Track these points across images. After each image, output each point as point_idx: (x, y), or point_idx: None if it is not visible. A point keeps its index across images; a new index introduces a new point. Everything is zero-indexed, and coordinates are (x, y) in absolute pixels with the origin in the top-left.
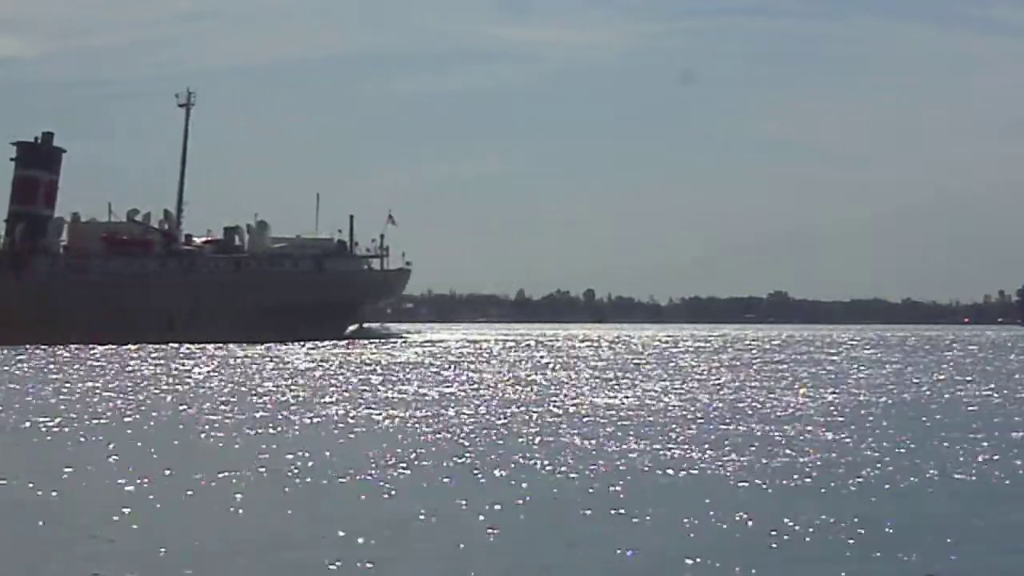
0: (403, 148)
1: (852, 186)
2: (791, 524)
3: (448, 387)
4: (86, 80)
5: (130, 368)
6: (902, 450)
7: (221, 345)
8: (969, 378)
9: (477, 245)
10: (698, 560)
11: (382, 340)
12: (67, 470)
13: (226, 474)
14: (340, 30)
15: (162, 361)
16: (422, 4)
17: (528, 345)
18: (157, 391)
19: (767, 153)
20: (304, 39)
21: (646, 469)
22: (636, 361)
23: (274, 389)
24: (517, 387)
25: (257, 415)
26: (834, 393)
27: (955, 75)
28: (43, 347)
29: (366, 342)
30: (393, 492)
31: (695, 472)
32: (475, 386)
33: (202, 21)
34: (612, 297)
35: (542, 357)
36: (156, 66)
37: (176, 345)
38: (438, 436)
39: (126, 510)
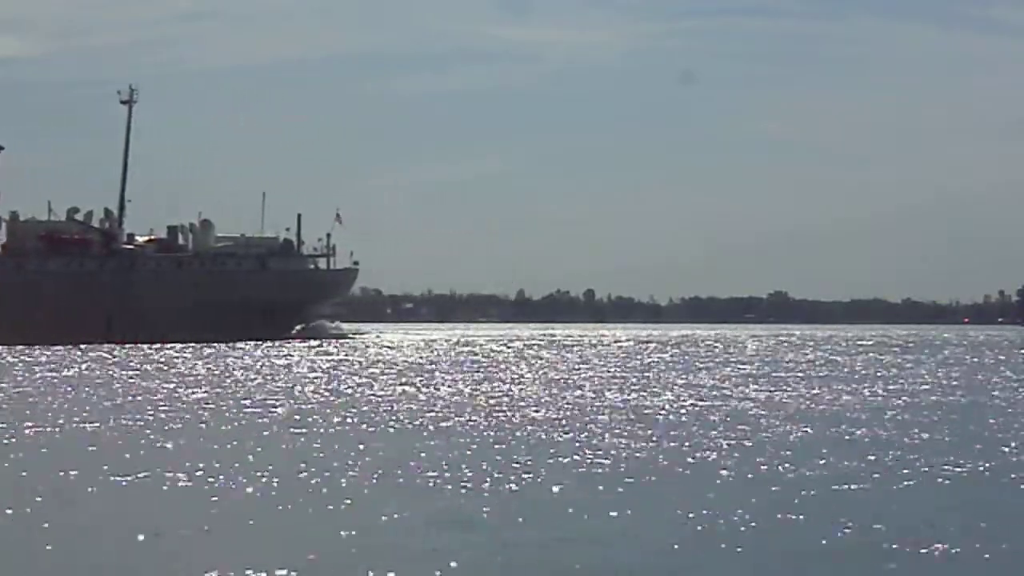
0: (403, 148)
1: (852, 186)
2: None
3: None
4: (86, 80)
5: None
6: None
7: (159, 346)
8: None
9: (477, 245)
10: None
11: (328, 339)
12: None
13: None
14: (340, 30)
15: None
16: (422, 4)
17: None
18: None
19: (767, 153)
20: (304, 39)
21: None
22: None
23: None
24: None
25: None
26: None
27: (955, 75)
28: None
29: (313, 341)
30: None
31: None
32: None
33: (202, 21)
34: (612, 297)
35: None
36: (156, 66)
37: (113, 346)
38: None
39: None
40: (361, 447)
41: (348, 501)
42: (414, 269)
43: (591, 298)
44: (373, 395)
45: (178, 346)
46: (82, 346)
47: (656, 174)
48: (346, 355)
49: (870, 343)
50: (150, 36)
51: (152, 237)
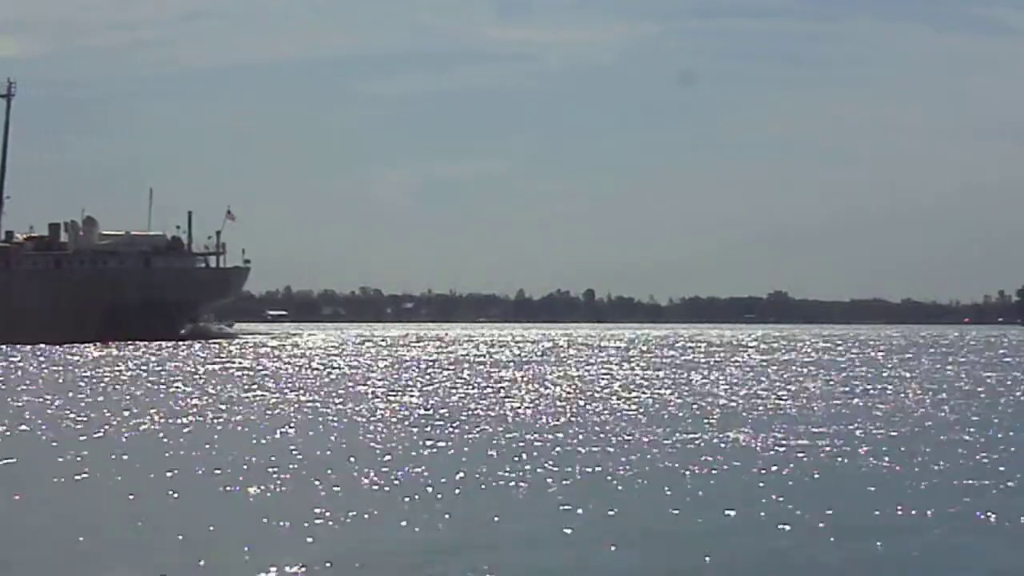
0: (403, 148)
1: (852, 186)
2: None
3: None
4: (86, 80)
5: None
6: None
7: (34, 347)
8: None
9: (477, 245)
10: None
11: (216, 340)
12: None
13: None
14: (339, 30)
15: None
16: (421, 4)
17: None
18: None
19: (767, 153)
20: (304, 39)
21: None
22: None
23: None
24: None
25: None
26: None
27: (955, 75)
28: None
29: (203, 342)
30: None
31: None
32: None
33: (202, 21)
34: (612, 297)
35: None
36: (156, 66)
37: None
38: None
39: None
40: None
41: None
42: (414, 269)
43: (591, 298)
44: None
45: (41, 347)
46: None
47: (656, 174)
48: (200, 362)
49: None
50: (150, 36)
51: (31, 235)
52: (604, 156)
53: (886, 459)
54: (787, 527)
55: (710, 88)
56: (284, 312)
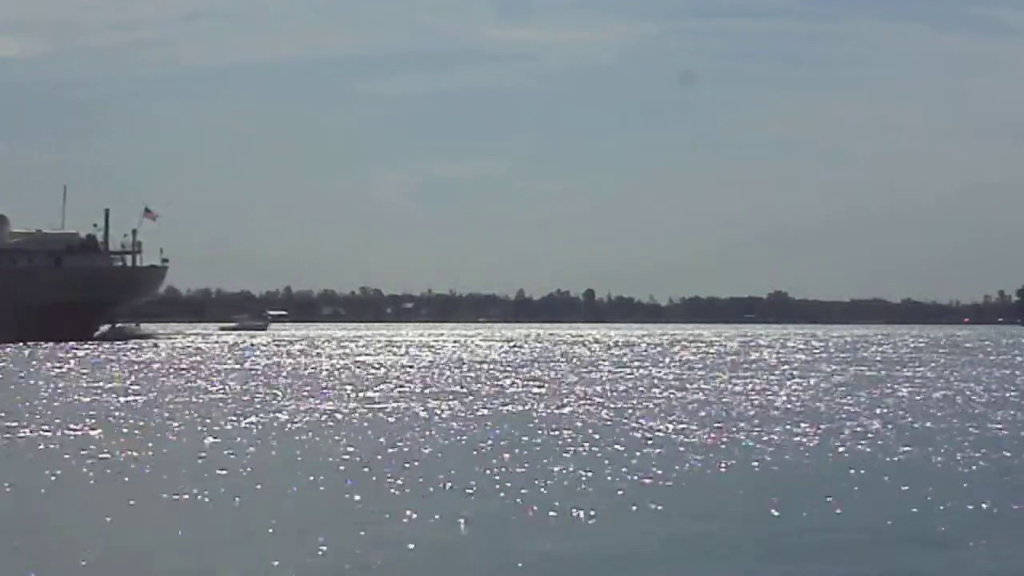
0: (402, 148)
1: (852, 186)
2: None
3: None
4: (86, 80)
5: None
6: None
7: None
8: None
9: (477, 245)
10: None
11: (129, 341)
12: None
13: None
14: (339, 30)
15: None
16: (421, 4)
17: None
18: None
19: (767, 153)
20: (304, 39)
21: None
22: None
23: None
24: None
25: None
26: None
27: (955, 75)
28: None
29: (116, 343)
30: None
31: None
32: None
33: (202, 21)
34: (612, 297)
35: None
36: (156, 66)
37: None
38: None
39: None
40: None
41: None
42: (414, 269)
43: (591, 298)
44: None
45: None
46: None
47: (656, 174)
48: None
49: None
50: (150, 36)
51: None
52: (604, 156)
53: None
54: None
55: (710, 88)
56: (284, 312)
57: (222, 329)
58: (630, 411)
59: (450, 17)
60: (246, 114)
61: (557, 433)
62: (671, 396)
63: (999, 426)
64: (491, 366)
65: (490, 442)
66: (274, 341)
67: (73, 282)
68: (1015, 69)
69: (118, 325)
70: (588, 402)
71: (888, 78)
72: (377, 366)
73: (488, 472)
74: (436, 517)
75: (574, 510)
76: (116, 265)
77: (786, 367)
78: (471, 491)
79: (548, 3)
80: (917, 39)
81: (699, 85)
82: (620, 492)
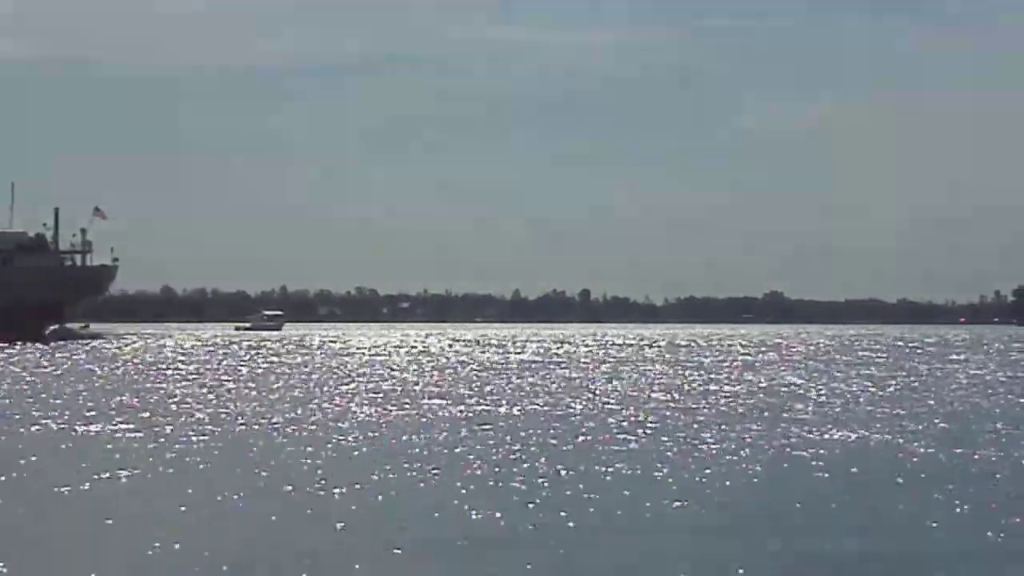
0: (402, 148)
1: (849, 187)
2: None
3: None
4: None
5: None
6: None
7: None
8: None
9: (473, 245)
10: None
11: (78, 342)
12: None
13: None
14: (339, 30)
15: None
16: (422, 4)
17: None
18: None
19: (767, 153)
20: (303, 39)
21: None
22: None
23: None
24: None
25: None
26: None
27: (954, 76)
28: None
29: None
30: None
31: None
32: None
33: (199, 21)
34: (607, 297)
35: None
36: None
37: None
38: None
39: None
40: None
41: None
42: (410, 269)
43: (586, 298)
44: None
45: None
46: None
47: (655, 174)
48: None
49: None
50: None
51: None
52: (604, 156)
53: None
54: None
55: (710, 88)
56: (280, 312)
57: (236, 329)
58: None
59: (450, 17)
60: (238, 113)
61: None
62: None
63: None
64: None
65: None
66: (283, 342)
67: (23, 282)
68: (1015, 70)
69: (67, 326)
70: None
71: (887, 78)
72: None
73: None
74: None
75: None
76: (66, 264)
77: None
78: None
79: (548, 3)
80: (916, 40)
81: (699, 85)
82: None
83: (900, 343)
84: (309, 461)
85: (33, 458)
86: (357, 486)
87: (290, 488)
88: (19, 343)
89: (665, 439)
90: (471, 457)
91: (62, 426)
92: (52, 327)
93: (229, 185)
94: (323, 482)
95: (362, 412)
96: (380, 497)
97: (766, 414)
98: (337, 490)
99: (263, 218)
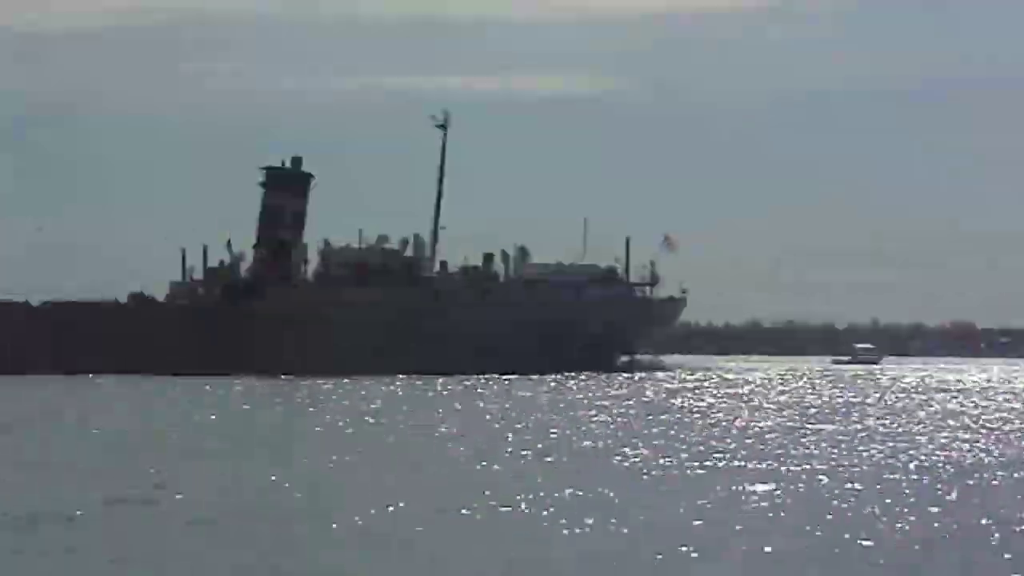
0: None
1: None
2: None
3: None
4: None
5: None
6: None
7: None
8: None
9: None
10: None
11: (649, 373)
12: None
13: None
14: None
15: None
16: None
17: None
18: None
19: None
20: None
21: None
22: None
23: None
24: None
25: None
26: None
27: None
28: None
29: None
30: None
31: None
32: None
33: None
34: None
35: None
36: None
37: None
38: None
39: None
40: None
41: None
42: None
43: None
44: None
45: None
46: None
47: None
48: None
49: None
50: None
51: (465, 265)
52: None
53: None
54: None
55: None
56: (872, 346)
57: (834, 362)
58: None
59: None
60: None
61: None
62: None
63: None
64: None
65: None
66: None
67: (598, 314)
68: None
69: (637, 357)
70: None
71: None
72: None
73: None
74: None
75: None
76: (635, 296)
77: None
78: None
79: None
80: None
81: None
82: None
83: None
84: None
85: None
86: None
87: None
88: (591, 372)
89: None
90: None
91: None
92: (623, 358)
93: None
94: None
95: None
96: None
97: None
98: None
99: None
